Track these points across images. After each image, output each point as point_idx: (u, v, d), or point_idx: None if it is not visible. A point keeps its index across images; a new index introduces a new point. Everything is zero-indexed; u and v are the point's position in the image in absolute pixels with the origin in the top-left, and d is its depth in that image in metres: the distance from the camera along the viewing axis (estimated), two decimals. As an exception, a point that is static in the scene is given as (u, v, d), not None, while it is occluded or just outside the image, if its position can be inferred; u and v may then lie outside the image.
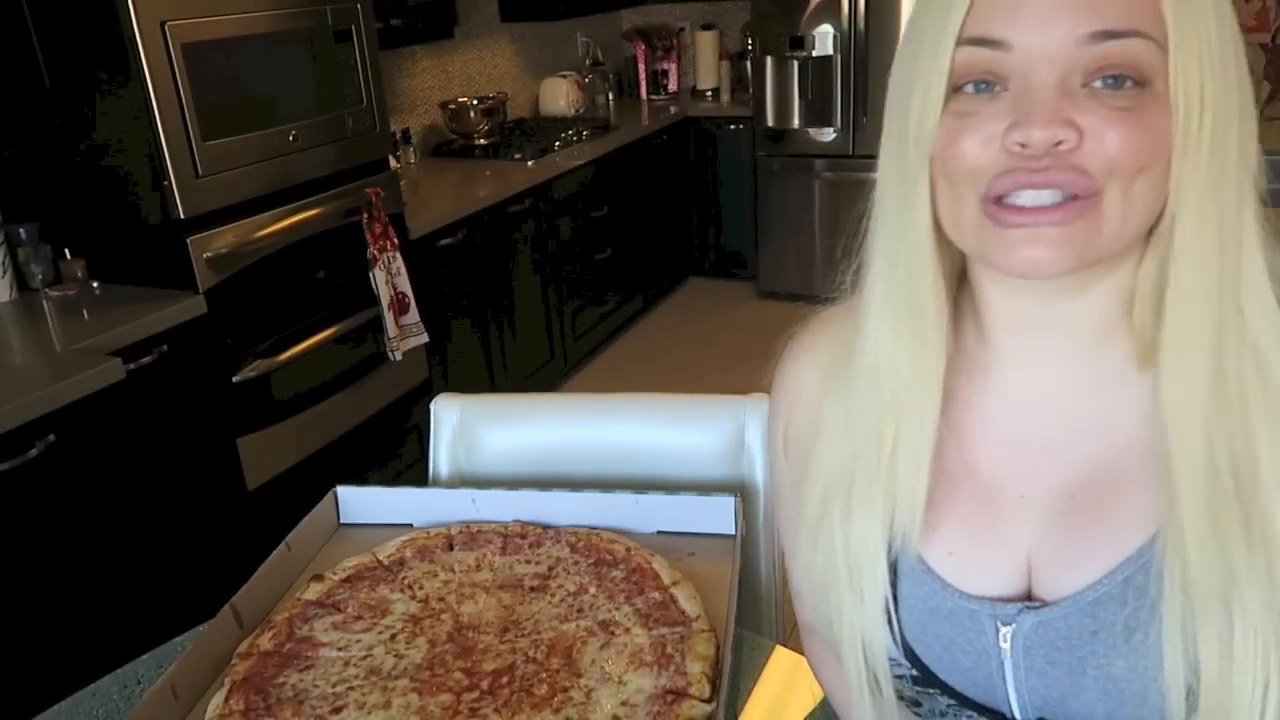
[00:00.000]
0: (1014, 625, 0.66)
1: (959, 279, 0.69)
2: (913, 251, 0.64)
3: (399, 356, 2.63)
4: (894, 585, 0.70)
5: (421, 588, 1.05)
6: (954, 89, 0.59)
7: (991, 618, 0.67)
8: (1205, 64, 0.55)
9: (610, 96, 4.62)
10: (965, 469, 0.69)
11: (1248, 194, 0.58)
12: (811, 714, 0.91)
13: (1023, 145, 0.56)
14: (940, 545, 0.69)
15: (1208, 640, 0.58)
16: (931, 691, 0.72)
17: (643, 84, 4.81)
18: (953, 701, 0.72)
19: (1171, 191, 0.58)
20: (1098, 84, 0.56)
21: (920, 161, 0.61)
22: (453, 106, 3.63)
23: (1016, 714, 0.69)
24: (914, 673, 0.72)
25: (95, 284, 2.23)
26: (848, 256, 0.69)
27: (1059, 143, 0.56)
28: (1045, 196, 0.57)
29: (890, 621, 0.70)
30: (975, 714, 0.71)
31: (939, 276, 0.65)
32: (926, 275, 0.64)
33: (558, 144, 3.67)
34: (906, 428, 0.66)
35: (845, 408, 0.70)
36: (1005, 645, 0.67)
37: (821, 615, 0.74)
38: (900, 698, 0.74)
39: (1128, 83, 0.56)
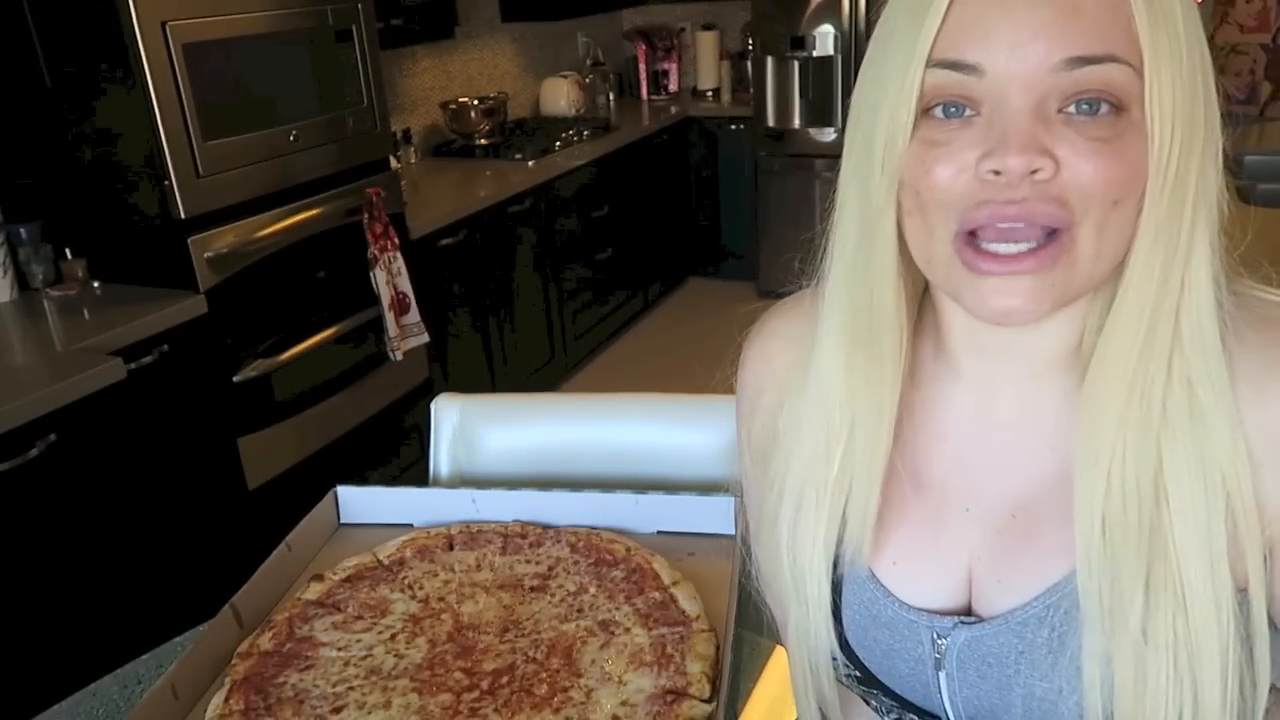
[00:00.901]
0: (949, 638, 0.67)
1: (921, 295, 0.69)
2: (875, 280, 0.63)
3: (399, 356, 2.63)
4: (839, 589, 0.71)
5: (421, 587, 1.05)
6: (923, 111, 0.57)
7: (928, 629, 0.68)
8: (1178, 89, 0.54)
9: (611, 96, 4.62)
10: (913, 479, 0.69)
11: (1202, 225, 0.57)
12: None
13: (997, 173, 0.54)
14: (885, 554, 0.69)
15: (1123, 669, 0.58)
16: (874, 692, 0.74)
17: (643, 84, 4.81)
18: (893, 703, 0.73)
19: (1141, 222, 0.56)
20: (1072, 109, 0.54)
21: (888, 188, 0.59)
22: (453, 106, 3.63)
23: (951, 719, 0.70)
24: (856, 674, 0.73)
25: (96, 284, 2.23)
26: (805, 274, 0.69)
27: (1035, 171, 0.54)
28: (1019, 242, 0.56)
29: (832, 627, 0.71)
30: (915, 716, 0.73)
31: (901, 304, 0.64)
32: (888, 303, 0.63)
33: (558, 144, 3.67)
34: (860, 448, 0.66)
35: (797, 423, 0.70)
36: (940, 656, 0.67)
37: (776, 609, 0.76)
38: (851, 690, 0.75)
39: (1104, 108, 0.54)
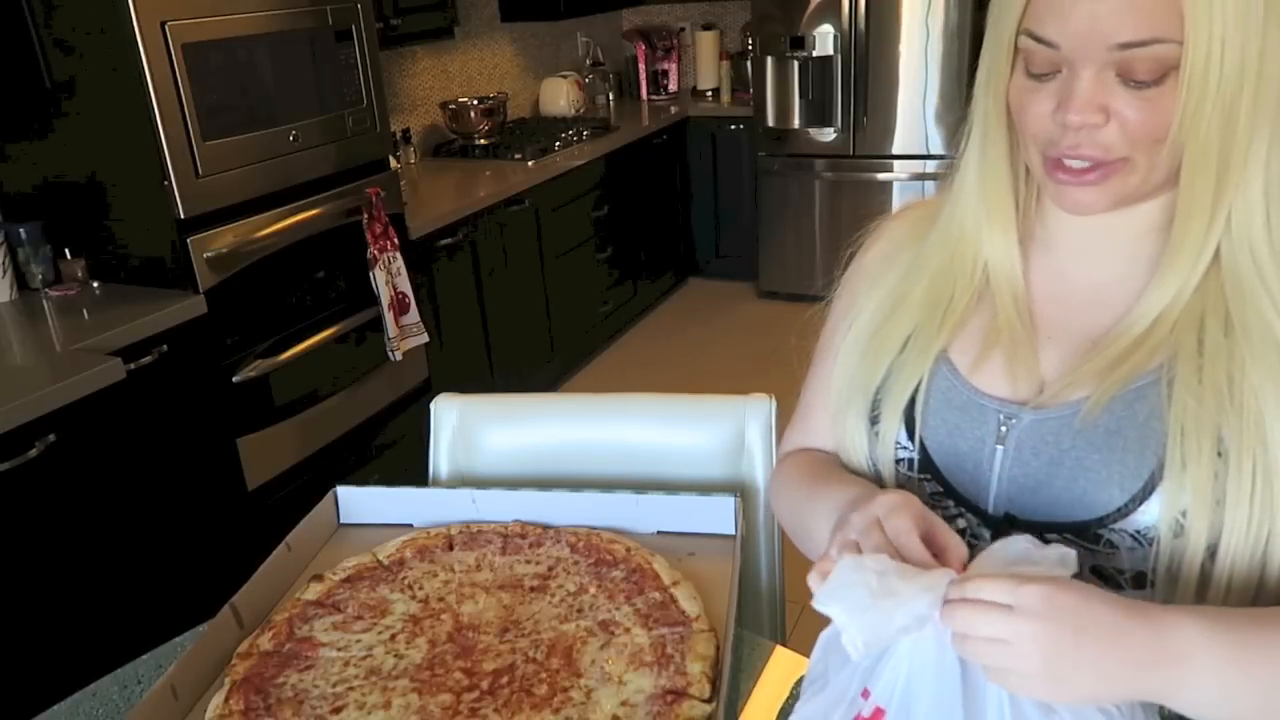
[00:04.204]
0: (1015, 420, 0.82)
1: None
2: (995, 156, 0.84)
3: (399, 356, 2.63)
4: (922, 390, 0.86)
5: (421, 588, 1.05)
6: (1027, 58, 0.76)
7: (996, 412, 0.83)
8: (1212, 61, 0.68)
9: (610, 96, 4.62)
10: (1012, 302, 0.86)
11: (1261, 129, 0.72)
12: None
13: (1063, 124, 0.74)
14: (970, 356, 0.86)
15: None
16: (923, 478, 0.87)
17: (643, 84, 4.80)
18: (938, 489, 0.86)
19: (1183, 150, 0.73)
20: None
21: (999, 102, 0.81)
22: (453, 106, 3.63)
23: (990, 505, 0.84)
24: (914, 455, 0.87)
25: (95, 284, 2.23)
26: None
27: (1089, 123, 0.73)
28: (1084, 160, 0.75)
29: (914, 405, 0.86)
30: (953, 504, 0.86)
31: (1011, 168, 0.84)
32: (1004, 171, 0.84)
33: (558, 144, 3.67)
34: (991, 262, 0.86)
35: (926, 252, 0.90)
36: (1003, 430, 0.82)
37: (854, 377, 0.92)
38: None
39: (1147, 74, 0.70)
